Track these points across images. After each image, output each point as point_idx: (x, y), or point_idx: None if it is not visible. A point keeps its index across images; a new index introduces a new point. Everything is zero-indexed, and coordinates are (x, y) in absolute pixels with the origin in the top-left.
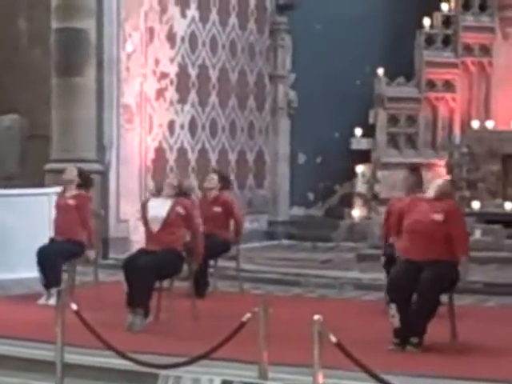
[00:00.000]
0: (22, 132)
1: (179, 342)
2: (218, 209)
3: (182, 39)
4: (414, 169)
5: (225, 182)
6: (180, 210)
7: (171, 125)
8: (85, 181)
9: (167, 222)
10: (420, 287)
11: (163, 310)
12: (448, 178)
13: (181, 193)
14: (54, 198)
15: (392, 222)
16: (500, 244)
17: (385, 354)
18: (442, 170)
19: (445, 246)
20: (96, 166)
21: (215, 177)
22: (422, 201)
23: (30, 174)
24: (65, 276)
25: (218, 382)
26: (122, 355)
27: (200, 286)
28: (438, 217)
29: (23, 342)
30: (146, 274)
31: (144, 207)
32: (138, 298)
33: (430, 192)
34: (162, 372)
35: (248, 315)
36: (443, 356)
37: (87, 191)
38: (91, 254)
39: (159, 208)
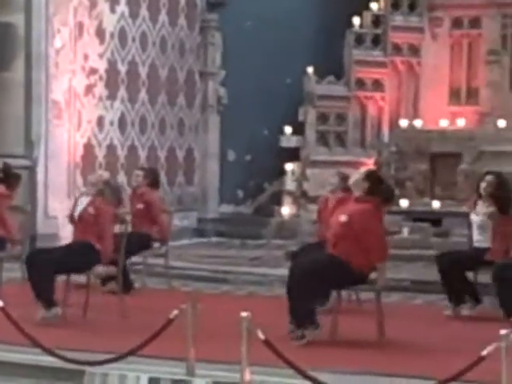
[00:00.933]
0: None
1: (107, 338)
2: (140, 206)
3: (112, 35)
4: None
5: (152, 179)
6: (90, 210)
7: (100, 121)
8: (6, 176)
9: (80, 220)
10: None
11: (91, 307)
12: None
13: (100, 191)
14: None
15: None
16: (427, 242)
17: (313, 350)
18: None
19: (353, 247)
20: (24, 162)
21: (141, 173)
22: (349, 200)
23: None
24: None
25: (145, 379)
26: (49, 352)
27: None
28: (343, 218)
29: None
30: (43, 267)
31: (75, 202)
32: (37, 290)
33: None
34: (89, 369)
35: (175, 312)
36: (371, 353)
37: (8, 187)
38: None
39: (82, 205)
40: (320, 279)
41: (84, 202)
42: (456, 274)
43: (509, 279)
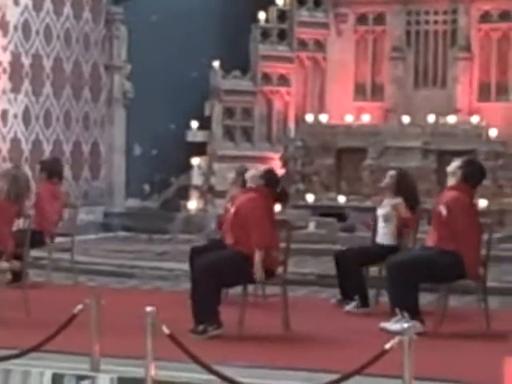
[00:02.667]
0: None
1: (9, 334)
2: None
3: (15, 27)
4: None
5: (48, 173)
6: None
7: (4, 114)
8: None
9: None
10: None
11: None
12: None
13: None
14: None
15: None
16: (333, 236)
17: (219, 345)
18: (277, 164)
19: (241, 235)
20: None
21: (38, 167)
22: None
23: None
24: None
25: (49, 374)
26: None
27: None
28: (232, 209)
29: None
30: None
31: None
32: None
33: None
34: None
35: (79, 307)
36: (276, 347)
37: None
38: None
39: None
40: (219, 276)
41: None
42: (352, 272)
43: (395, 277)
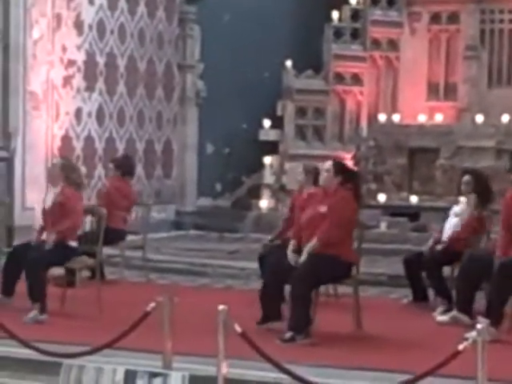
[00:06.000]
0: None
1: (84, 331)
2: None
3: (90, 27)
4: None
5: (121, 171)
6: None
7: (78, 113)
8: None
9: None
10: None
11: (68, 300)
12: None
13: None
14: None
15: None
16: (405, 237)
17: (290, 344)
18: (349, 163)
19: (338, 238)
20: (1, 153)
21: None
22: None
23: None
24: None
25: (122, 371)
26: (26, 344)
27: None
28: (323, 209)
29: None
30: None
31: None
32: (33, 293)
33: None
34: (66, 361)
35: (152, 304)
36: (348, 347)
37: None
38: None
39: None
40: (318, 281)
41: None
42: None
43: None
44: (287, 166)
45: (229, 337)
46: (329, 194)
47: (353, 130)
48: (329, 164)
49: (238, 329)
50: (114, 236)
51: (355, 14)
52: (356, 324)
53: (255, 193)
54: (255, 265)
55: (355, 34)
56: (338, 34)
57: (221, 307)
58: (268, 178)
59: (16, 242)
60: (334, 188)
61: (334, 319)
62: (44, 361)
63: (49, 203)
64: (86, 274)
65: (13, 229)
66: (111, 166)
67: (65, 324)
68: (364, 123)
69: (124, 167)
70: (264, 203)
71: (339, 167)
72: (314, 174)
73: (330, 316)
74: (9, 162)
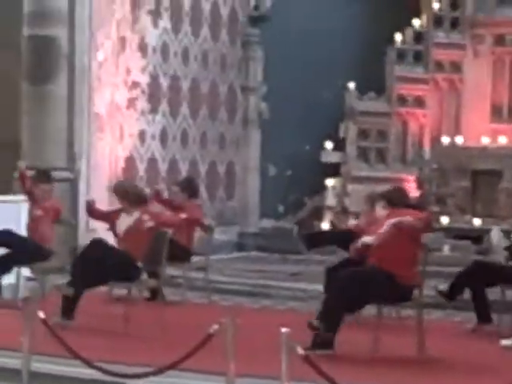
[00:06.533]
0: None
1: (147, 351)
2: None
3: (154, 49)
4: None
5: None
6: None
7: (142, 135)
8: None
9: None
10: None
11: (131, 320)
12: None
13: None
14: (23, 206)
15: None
16: (468, 260)
17: (352, 366)
18: (412, 186)
19: (399, 258)
20: (66, 174)
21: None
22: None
23: None
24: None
25: None
26: (89, 364)
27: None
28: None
29: None
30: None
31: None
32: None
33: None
34: (129, 382)
35: (215, 326)
36: (410, 369)
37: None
38: None
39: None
40: (363, 288)
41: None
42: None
43: None
44: (349, 188)
45: (291, 359)
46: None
47: (415, 153)
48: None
49: (301, 351)
50: (181, 253)
51: (418, 37)
52: (419, 347)
53: (317, 214)
54: (318, 286)
55: (418, 57)
56: (401, 56)
57: (284, 329)
58: (330, 199)
59: None
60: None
61: (397, 342)
62: (107, 381)
63: (124, 228)
64: (145, 294)
65: (77, 249)
66: (177, 189)
67: (128, 344)
68: (427, 145)
69: (190, 189)
70: (326, 225)
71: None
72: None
73: (393, 338)
74: (73, 183)
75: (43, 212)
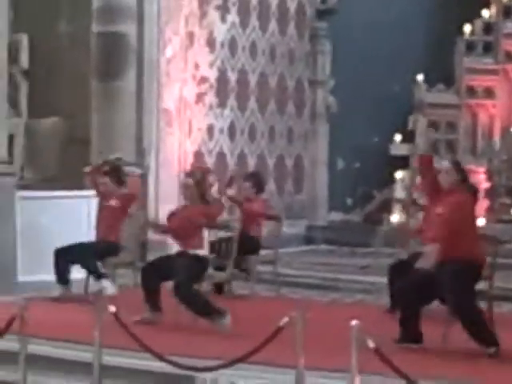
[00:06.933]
0: (62, 135)
1: (217, 345)
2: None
3: (222, 44)
4: None
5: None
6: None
7: (210, 129)
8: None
9: None
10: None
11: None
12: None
13: None
14: (94, 201)
15: None
16: None
17: (422, 359)
18: (482, 177)
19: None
20: (135, 170)
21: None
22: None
23: (70, 177)
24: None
25: None
26: (159, 357)
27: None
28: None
29: (62, 343)
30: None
31: None
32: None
33: None
34: (199, 375)
35: (285, 319)
36: (481, 363)
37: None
38: None
39: None
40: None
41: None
42: None
43: None
44: (419, 180)
45: (362, 352)
46: (446, 193)
47: (485, 144)
48: (448, 165)
49: (371, 344)
50: (252, 244)
51: (487, 27)
52: None
53: (386, 207)
54: (386, 280)
55: (487, 48)
56: (470, 47)
57: (353, 322)
58: (399, 192)
59: (149, 257)
60: (450, 187)
61: (466, 335)
62: (178, 374)
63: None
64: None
65: (146, 244)
66: (247, 184)
67: (198, 337)
68: (497, 137)
69: (258, 185)
70: (395, 218)
71: (458, 166)
72: None
73: (463, 332)
74: (143, 178)
75: (119, 202)
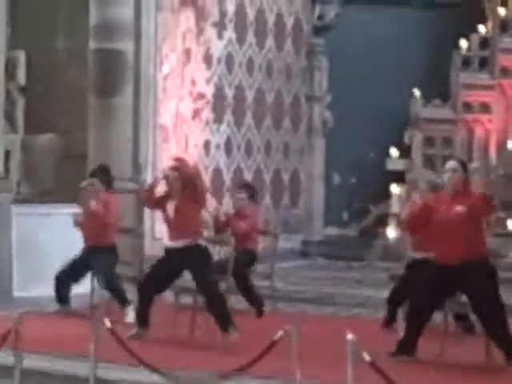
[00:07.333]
0: (58, 151)
1: (213, 358)
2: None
3: (219, 60)
4: None
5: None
6: None
7: (207, 145)
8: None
9: None
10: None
11: (197, 327)
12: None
13: None
14: None
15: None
16: None
17: (420, 372)
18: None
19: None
20: (131, 185)
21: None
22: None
23: (66, 192)
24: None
25: None
26: (155, 371)
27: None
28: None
29: (58, 357)
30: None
31: None
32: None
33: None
34: None
35: (280, 333)
36: (477, 377)
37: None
38: None
39: None
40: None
41: None
42: None
43: None
44: (415, 195)
45: (357, 366)
46: (460, 193)
47: (482, 159)
48: (454, 163)
49: (367, 358)
50: (250, 257)
51: (484, 43)
52: (487, 354)
53: (382, 222)
54: (382, 293)
55: (484, 63)
56: (467, 62)
57: (349, 336)
58: (395, 207)
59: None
60: (460, 186)
61: (465, 349)
62: None
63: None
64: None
65: (143, 259)
66: (244, 195)
67: (193, 350)
68: (493, 152)
69: (254, 195)
70: (391, 233)
71: (464, 164)
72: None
73: (460, 346)
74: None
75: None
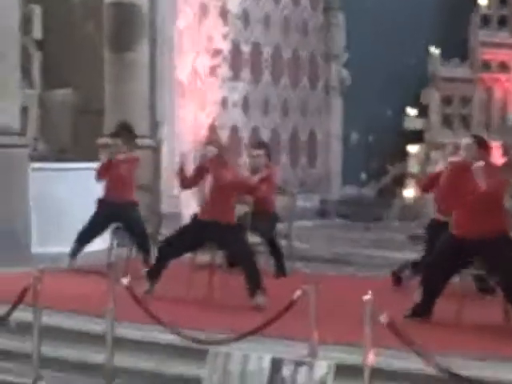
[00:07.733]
0: (75, 106)
1: (230, 318)
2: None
3: (235, 16)
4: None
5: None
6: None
7: (224, 102)
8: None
9: None
10: None
11: (215, 286)
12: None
13: None
14: None
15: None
16: None
17: (437, 333)
18: (497, 152)
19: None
20: (149, 142)
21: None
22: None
23: (83, 148)
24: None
25: (268, 359)
26: (173, 330)
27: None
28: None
29: (76, 314)
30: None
31: None
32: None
33: None
34: (212, 348)
35: (298, 293)
36: (496, 338)
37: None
38: None
39: None
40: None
41: None
42: None
43: None
44: (433, 154)
45: (374, 326)
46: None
47: (500, 119)
48: (469, 140)
49: (384, 319)
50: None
51: (503, 1)
52: (505, 315)
53: (400, 181)
54: (399, 254)
55: (503, 21)
56: (486, 20)
57: (367, 297)
58: (413, 166)
59: (163, 229)
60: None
61: (483, 310)
62: (190, 347)
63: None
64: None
65: (161, 216)
66: (261, 153)
67: (211, 310)
68: (511, 111)
69: (269, 154)
70: (409, 192)
71: (480, 141)
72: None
73: (479, 307)
74: (156, 150)
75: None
